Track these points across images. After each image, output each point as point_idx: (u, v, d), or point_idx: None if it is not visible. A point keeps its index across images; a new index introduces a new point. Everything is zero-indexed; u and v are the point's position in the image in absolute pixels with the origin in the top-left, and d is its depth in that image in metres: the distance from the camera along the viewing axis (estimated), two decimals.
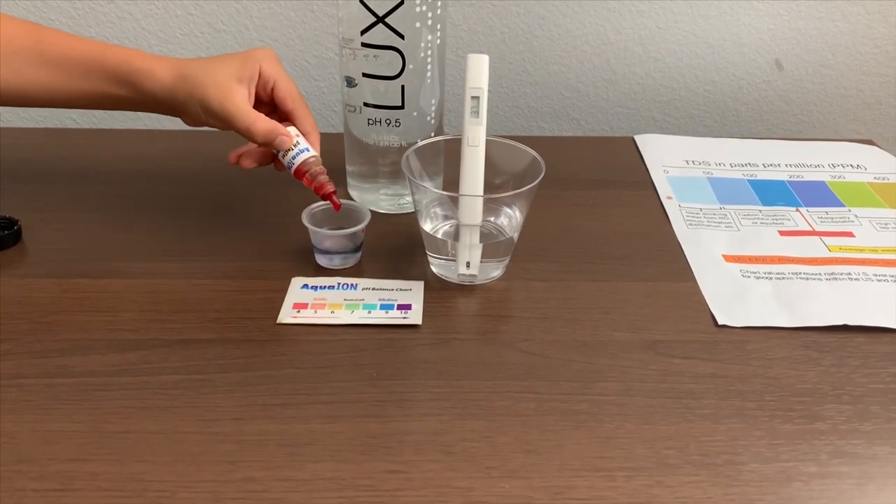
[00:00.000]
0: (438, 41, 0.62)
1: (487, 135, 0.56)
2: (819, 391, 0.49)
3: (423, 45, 0.61)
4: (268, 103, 0.59)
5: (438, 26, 0.61)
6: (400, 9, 0.58)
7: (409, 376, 0.50)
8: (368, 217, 0.59)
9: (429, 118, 0.65)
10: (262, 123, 0.56)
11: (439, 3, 0.60)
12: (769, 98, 0.92)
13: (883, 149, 0.82)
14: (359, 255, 0.60)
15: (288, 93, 0.58)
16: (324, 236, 0.59)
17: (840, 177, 0.75)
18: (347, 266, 0.60)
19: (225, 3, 0.84)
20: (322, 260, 0.60)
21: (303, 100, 0.60)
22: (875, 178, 0.75)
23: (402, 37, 0.60)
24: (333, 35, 0.85)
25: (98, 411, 0.46)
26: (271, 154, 0.60)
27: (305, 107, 0.60)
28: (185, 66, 0.57)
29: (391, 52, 0.60)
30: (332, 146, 0.69)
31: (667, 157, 0.78)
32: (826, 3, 0.86)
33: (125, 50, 0.58)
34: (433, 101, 0.64)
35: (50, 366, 0.49)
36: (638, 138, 0.82)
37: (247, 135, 0.57)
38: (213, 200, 0.68)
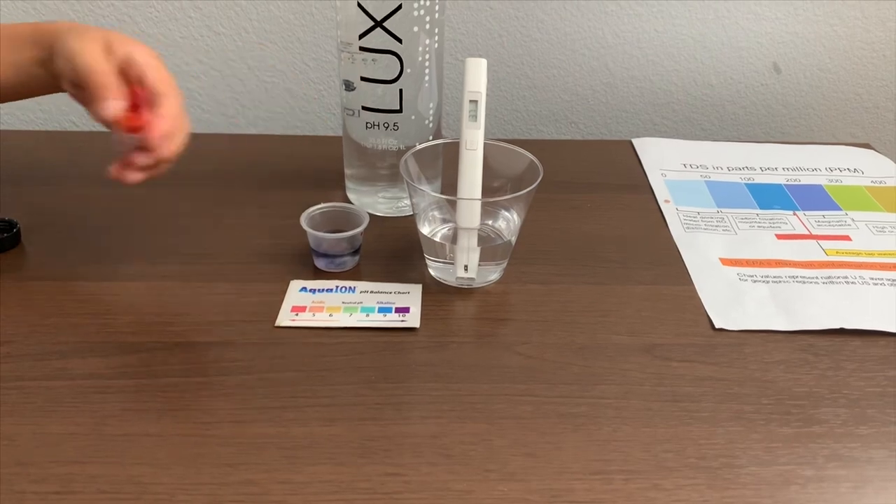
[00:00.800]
0: (436, 45, 0.62)
1: (486, 138, 0.57)
2: (816, 394, 0.49)
3: (420, 48, 0.61)
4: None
5: (436, 30, 0.61)
6: (398, 13, 0.59)
7: (408, 379, 0.50)
8: (367, 220, 0.60)
9: (427, 122, 0.65)
10: (102, 75, 0.49)
11: (437, 7, 0.61)
12: (767, 101, 0.92)
13: (880, 153, 0.82)
14: (357, 258, 0.61)
15: (144, 68, 0.51)
16: (322, 239, 0.59)
17: (837, 181, 0.76)
18: (345, 269, 0.60)
19: (224, 5, 0.84)
20: (320, 263, 0.60)
21: (167, 85, 0.52)
22: (872, 181, 0.76)
23: (399, 41, 0.60)
24: (332, 38, 0.86)
25: (97, 414, 0.46)
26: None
27: (168, 91, 0.52)
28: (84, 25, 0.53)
29: (389, 56, 0.60)
30: (330, 149, 0.70)
31: (664, 161, 0.78)
32: (823, 6, 0.86)
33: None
34: (431, 105, 0.64)
35: (49, 368, 0.49)
36: (636, 142, 0.82)
37: (85, 78, 0.49)
38: (212, 203, 0.68)
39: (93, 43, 0.51)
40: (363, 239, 0.60)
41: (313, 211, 0.61)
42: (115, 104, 0.49)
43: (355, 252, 0.60)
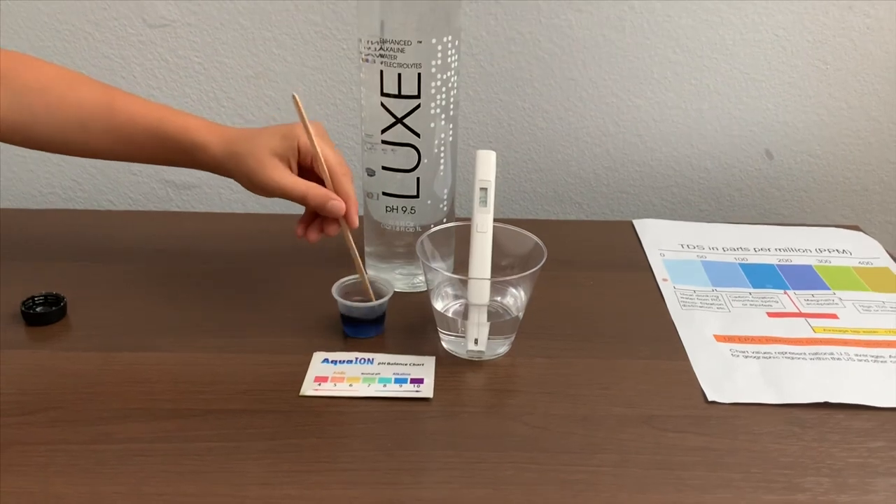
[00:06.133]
0: (451, 137, 0.68)
1: (496, 216, 0.62)
2: (800, 464, 0.53)
3: (436, 141, 0.67)
4: (312, 172, 0.64)
5: (451, 125, 0.68)
6: (417, 111, 0.65)
7: (422, 446, 0.54)
8: (392, 291, 0.65)
9: (441, 205, 0.70)
10: (316, 192, 0.61)
11: (452, 105, 0.67)
12: (761, 185, 0.97)
13: (869, 233, 0.87)
14: (382, 326, 0.65)
15: (325, 167, 0.61)
16: (351, 307, 0.64)
17: (826, 261, 0.80)
18: (371, 336, 0.65)
19: (255, 96, 0.91)
20: (349, 330, 0.65)
21: (342, 171, 0.63)
22: (860, 262, 0.80)
23: (418, 135, 0.66)
24: (354, 126, 0.92)
25: (139, 475, 0.50)
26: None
27: (343, 176, 0.63)
28: (234, 143, 0.63)
29: (408, 148, 0.66)
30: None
31: (663, 241, 0.83)
32: (811, 98, 0.93)
33: (184, 119, 0.64)
34: (445, 190, 0.70)
35: (94, 433, 0.54)
36: (636, 223, 0.87)
37: (302, 202, 0.62)
38: (240, 278, 0.74)
39: (281, 170, 0.62)
40: (388, 307, 0.65)
41: (345, 282, 0.66)
42: (338, 205, 0.62)
43: (380, 319, 0.65)
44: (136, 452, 0.52)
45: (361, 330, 0.65)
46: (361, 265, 0.65)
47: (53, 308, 0.66)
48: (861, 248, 0.83)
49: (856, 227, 0.88)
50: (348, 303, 0.63)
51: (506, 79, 0.91)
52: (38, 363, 0.61)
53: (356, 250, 0.64)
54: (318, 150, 0.61)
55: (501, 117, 0.93)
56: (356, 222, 0.64)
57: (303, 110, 0.60)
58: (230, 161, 0.62)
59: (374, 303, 0.64)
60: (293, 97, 0.60)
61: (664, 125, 0.94)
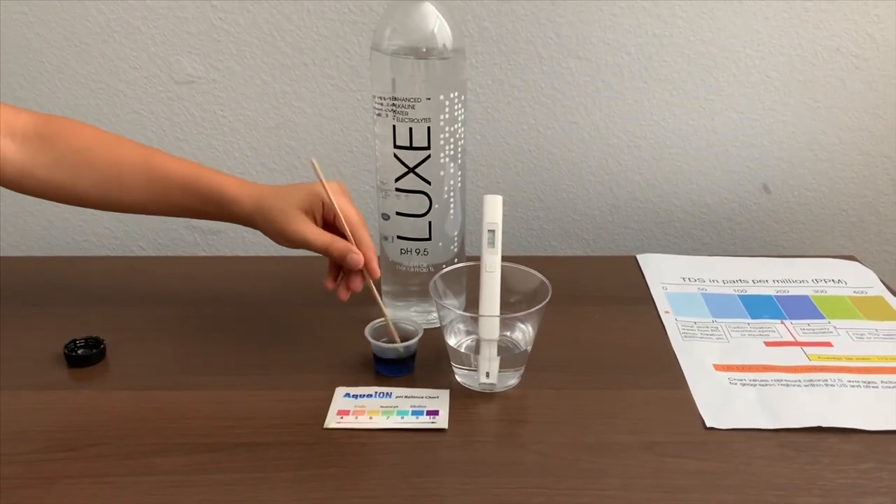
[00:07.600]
0: (460, 183, 0.73)
1: (506, 252, 0.66)
2: (793, 485, 0.56)
3: (446, 188, 0.72)
4: (334, 226, 0.69)
5: (459, 172, 0.73)
6: (427, 160, 0.70)
7: (438, 475, 0.58)
8: (421, 332, 0.69)
9: (452, 246, 0.75)
10: (338, 244, 0.67)
11: (460, 153, 0.72)
12: (760, 218, 1.01)
13: (867, 263, 0.90)
14: (412, 365, 0.69)
15: (345, 223, 0.67)
16: (385, 349, 0.68)
17: (822, 291, 0.84)
18: (402, 375, 0.68)
19: (276, 145, 0.97)
20: (382, 370, 0.69)
21: (361, 227, 0.68)
22: (854, 291, 0.84)
23: (429, 183, 0.71)
24: (369, 172, 0.98)
25: None
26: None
27: (362, 232, 0.68)
28: (263, 197, 0.68)
29: (420, 195, 0.71)
30: None
31: (665, 275, 0.87)
32: (804, 136, 0.97)
33: (217, 175, 0.70)
34: (456, 231, 0.75)
35: (136, 466, 0.58)
36: (640, 257, 0.91)
37: (325, 253, 0.67)
38: (265, 318, 0.78)
39: (306, 223, 0.67)
40: (418, 348, 0.69)
41: (376, 324, 0.70)
42: (358, 259, 0.67)
43: (412, 358, 0.69)
44: (175, 484, 0.56)
45: (394, 370, 0.69)
46: (385, 310, 0.69)
47: (94, 350, 0.71)
48: (856, 278, 0.86)
49: (852, 258, 0.92)
50: (382, 344, 0.68)
51: (511, 123, 0.96)
52: (82, 402, 0.65)
53: (381, 298, 0.69)
54: (338, 207, 0.67)
55: (508, 160, 0.98)
56: (377, 272, 0.69)
57: (320, 173, 0.66)
58: (259, 215, 0.68)
59: (403, 344, 0.68)
60: (311, 162, 0.65)
61: (664, 164, 0.98)
